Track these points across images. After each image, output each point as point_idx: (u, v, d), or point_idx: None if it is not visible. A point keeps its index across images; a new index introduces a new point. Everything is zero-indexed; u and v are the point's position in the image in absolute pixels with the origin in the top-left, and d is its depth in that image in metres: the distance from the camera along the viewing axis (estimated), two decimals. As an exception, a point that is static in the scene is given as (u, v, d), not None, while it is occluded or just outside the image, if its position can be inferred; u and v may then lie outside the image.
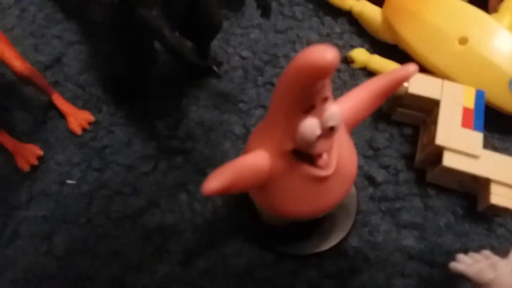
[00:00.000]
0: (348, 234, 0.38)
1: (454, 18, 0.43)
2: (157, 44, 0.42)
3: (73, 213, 0.39)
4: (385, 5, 0.48)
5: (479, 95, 0.40)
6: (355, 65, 0.47)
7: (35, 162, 0.41)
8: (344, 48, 0.49)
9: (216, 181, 0.25)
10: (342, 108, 0.27)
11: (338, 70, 0.47)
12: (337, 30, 0.51)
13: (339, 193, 0.30)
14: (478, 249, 0.35)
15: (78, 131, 0.43)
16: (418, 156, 0.42)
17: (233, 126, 0.44)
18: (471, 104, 0.40)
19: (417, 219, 0.39)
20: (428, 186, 0.41)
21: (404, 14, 0.45)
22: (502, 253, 0.32)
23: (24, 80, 0.41)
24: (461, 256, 0.33)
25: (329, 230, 0.38)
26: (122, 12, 0.35)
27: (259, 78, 0.47)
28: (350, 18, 0.51)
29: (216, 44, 0.48)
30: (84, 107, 0.44)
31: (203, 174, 0.41)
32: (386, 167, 0.42)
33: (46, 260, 0.37)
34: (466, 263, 0.32)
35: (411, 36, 0.44)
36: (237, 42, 0.49)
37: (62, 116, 0.44)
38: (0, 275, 0.37)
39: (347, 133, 0.30)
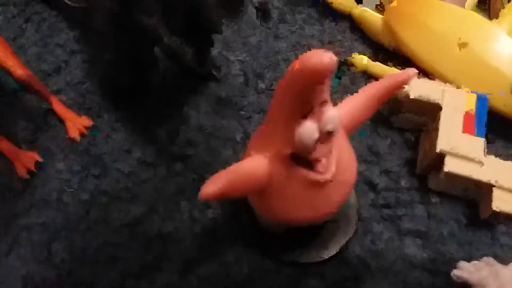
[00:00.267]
0: (350, 242, 0.38)
1: (456, 23, 0.43)
2: (157, 51, 0.42)
3: (73, 220, 0.39)
4: (387, 10, 0.48)
5: (481, 100, 0.40)
6: (355, 69, 0.47)
7: (34, 168, 0.41)
8: (346, 54, 0.49)
9: (213, 186, 0.26)
10: (340, 112, 0.27)
11: (339, 78, 0.47)
12: (339, 37, 0.51)
13: (339, 198, 0.30)
14: (481, 258, 0.34)
15: (77, 136, 0.43)
16: (420, 162, 0.41)
17: (233, 132, 0.44)
18: (472, 110, 0.39)
19: (420, 227, 0.39)
20: (430, 193, 0.40)
21: (406, 19, 0.45)
22: (506, 262, 0.32)
23: (25, 86, 0.42)
24: (463, 264, 0.32)
25: (330, 238, 0.37)
26: (122, 19, 0.35)
27: (260, 83, 0.47)
28: (352, 25, 0.51)
29: (216, 50, 0.48)
30: (85, 114, 0.44)
31: (203, 180, 0.40)
32: (387, 173, 0.41)
33: (46, 268, 0.37)
34: (469, 271, 0.31)
35: (413, 42, 0.44)
36: (237, 48, 0.49)
37: (62, 123, 0.44)
38: (-1, 283, 0.37)
39: (346, 137, 0.30)
